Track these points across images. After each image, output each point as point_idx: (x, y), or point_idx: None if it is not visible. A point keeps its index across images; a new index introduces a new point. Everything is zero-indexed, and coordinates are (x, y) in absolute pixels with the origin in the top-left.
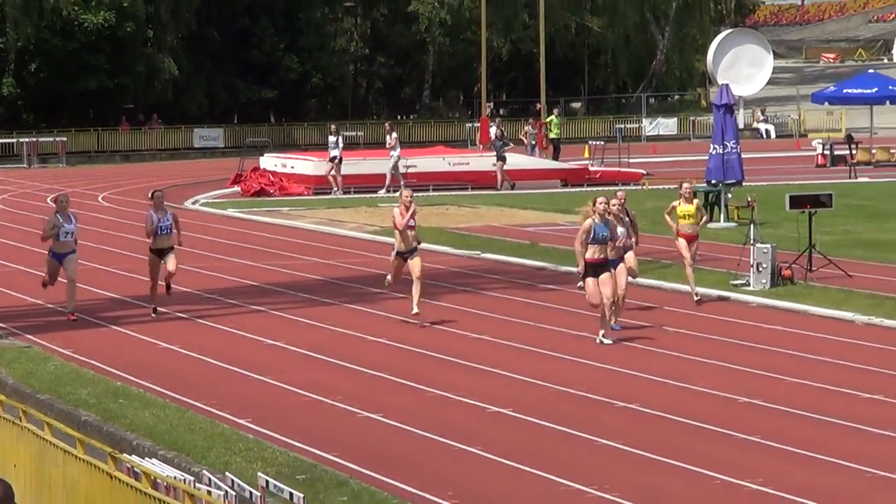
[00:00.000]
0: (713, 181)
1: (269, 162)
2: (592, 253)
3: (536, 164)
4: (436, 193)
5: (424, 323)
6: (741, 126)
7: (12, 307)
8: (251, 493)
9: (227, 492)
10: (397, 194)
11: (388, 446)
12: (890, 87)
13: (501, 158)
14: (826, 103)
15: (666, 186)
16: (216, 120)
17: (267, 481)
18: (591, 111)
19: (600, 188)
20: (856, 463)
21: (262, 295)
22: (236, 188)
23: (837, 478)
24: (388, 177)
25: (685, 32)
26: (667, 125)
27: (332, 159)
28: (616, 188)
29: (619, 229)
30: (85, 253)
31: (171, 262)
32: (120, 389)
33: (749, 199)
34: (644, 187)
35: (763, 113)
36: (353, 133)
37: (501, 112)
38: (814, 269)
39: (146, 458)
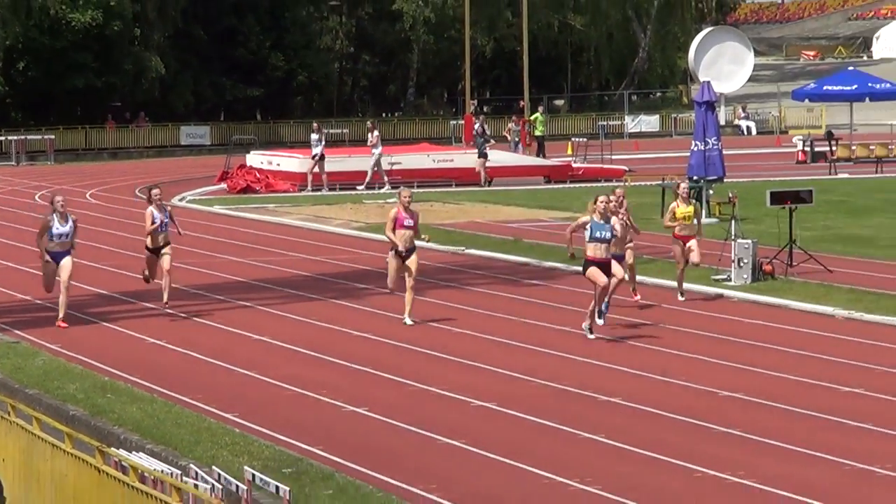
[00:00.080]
0: (695, 177)
1: (256, 159)
2: (594, 251)
3: (520, 160)
4: (420, 190)
5: (415, 319)
6: (722, 123)
7: (1, 303)
8: (238, 486)
9: (213, 485)
10: (381, 191)
11: (374, 440)
12: (869, 84)
13: (483, 155)
14: (806, 100)
15: (648, 183)
16: (203, 117)
17: (253, 475)
18: (574, 108)
19: (583, 185)
20: (835, 456)
21: (248, 291)
22: (223, 185)
23: (817, 470)
24: (369, 174)
25: (667, 30)
26: (649, 122)
27: (315, 157)
28: (601, 184)
29: (614, 218)
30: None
31: (166, 261)
32: (108, 384)
33: (730, 195)
34: (626, 184)
35: (744, 110)
36: (339, 130)
37: (485, 109)
38: (794, 264)
39: (133, 453)
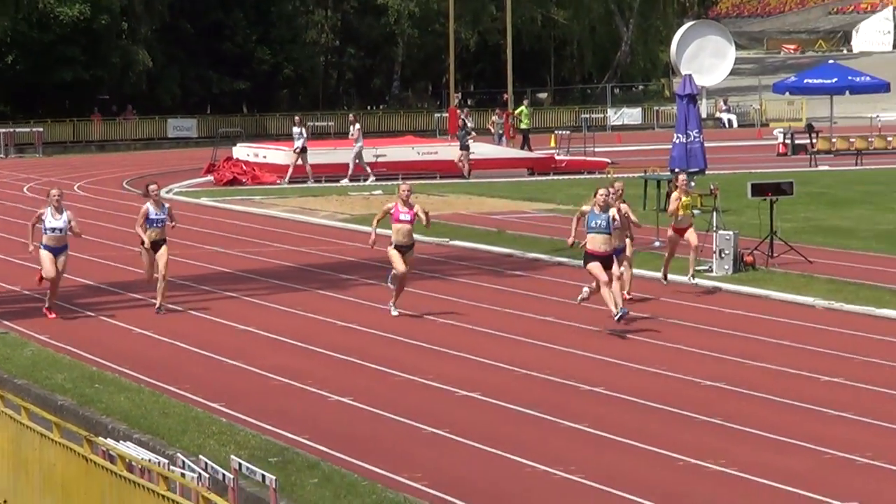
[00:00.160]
0: (676, 169)
1: (242, 152)
2: (595, 245)
3: (503, 153)
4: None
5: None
6: (704, 116)
7: None
8: (224, 475)
9: (200, 474)
10: (366, 183)
11: (359, 429)
12: (849, 78)
13: (465, 148)
14: (787, 93)
15: (630, 175)
16: (189, 110)
17: (240, 464)
18: (558, 101)
19: (566, 177)
20: (816, 444)
21: (234, 281)
22: (209, 177)
23: (797, 459)
24: (351, 166)
25: (649, 24)
26: (631, 115)
27: (297, 150)
28: (584, 176)
29: (612, 210)
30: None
31: (161, 260)
32: (95, 374)
33: (712, 186)
34: (609, 175)
35: (725, 103)
36: (325, 123)
37: (469, 102)
38: (775, 255)
39: (121, 442)
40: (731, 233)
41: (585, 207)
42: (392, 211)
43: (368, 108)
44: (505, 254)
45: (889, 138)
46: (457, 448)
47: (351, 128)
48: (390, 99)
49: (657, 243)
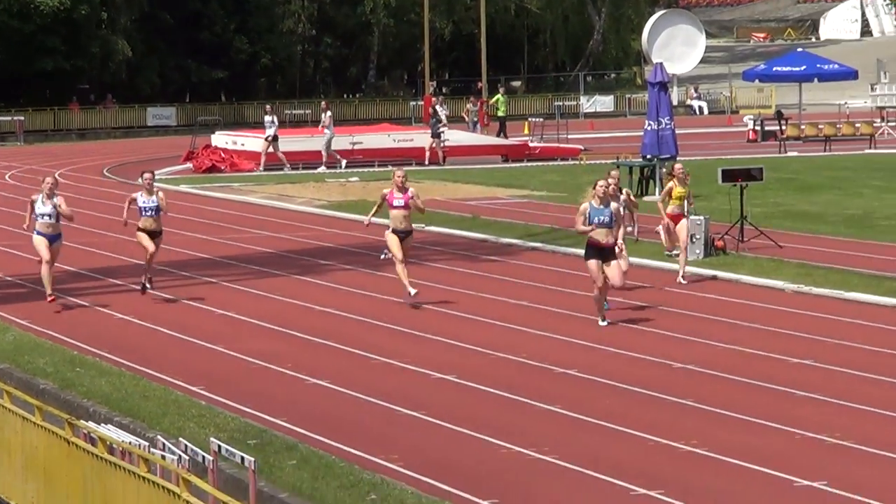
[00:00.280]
0: (648, 156)
1: (221, 139)
2: (597, 237)
3: (478, 140)
4: (381, 169)
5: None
6: (675, 103)
7: None
8: (204, 457)
9: (180, 456)
10: (339, 170)
11: (336, 411)
12: (818, 66)
13: (436, 135)
14: (757, 81)
15: (603, 161)
16: (169, 99)
17: (219, 446)
18: (531, 89)
19: (539, 164)
20: (786, 425)
21: (213, 267)
22: (189, 165)
23: (768, 439)
24: (324, 154)
25: (621, 13)
26: (604, 102)
27: (268, 138)
28: (557, 163)
29: (613, 204)
30: None
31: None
32: (77, 358)
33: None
34: (582, 162)
35: (696, 90)
36: (301, 111)
37: (444, 90)
38: (745, 239)
39: (102, 425)
40: (701, 218)
41: (584, 205)
42: (387, 197)
43: (345, 96)
44: (479, 239)
45: (857, 125)
46: (433, 430)
47: (323, 115)
48: (366, 87)
49: (630, 228)
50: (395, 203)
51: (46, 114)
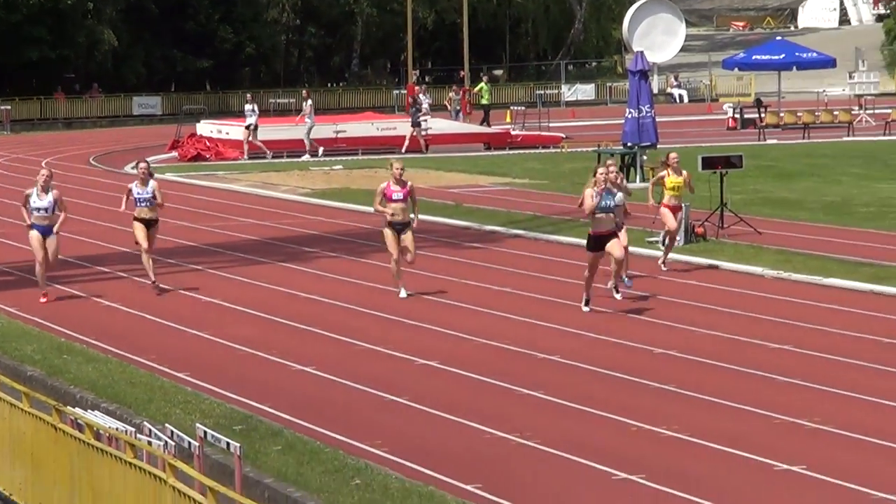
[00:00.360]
0: (629, 144)
1: (205, 128)
2: (600, 226)
3: (461, 128)
4: (365, 157)
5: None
6: (655, 91)
7: None
8: (190, 443)
9: (166, 442)
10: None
11: (321, 397)
12: (796, 54)
13: (416, 124)
14: (736, 69)
15: (584, 149)
16: (154, 88)
17: (205, 432)
18: (513, 78)
19: (521, 152)
20: (765, 410)
21: (199, 255)
22: (174, 153)
23: (748, 424)
24: (307, 143)
25: (601, 2)
26: (585, 91)
27: (248, 126)
28: (539, 151)
29: (619, 196)
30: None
31: (150, 241)
32: (64, 345)
33: (662, 160)
34: (563, 150)
35: (676, 79)
36: (286, 100)
37: (427, 79)
38: (725, 226)
39: (89, 411)
40: (682, 205)
41: (589, 191)
42: (385, 191)
43: (329, 85)
44: (462, 226)
45: (835, 112)
46: (416, 415)
47: (304, 104)
48: (350, 76)
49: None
50: (395, 196)
51: (33, 103)
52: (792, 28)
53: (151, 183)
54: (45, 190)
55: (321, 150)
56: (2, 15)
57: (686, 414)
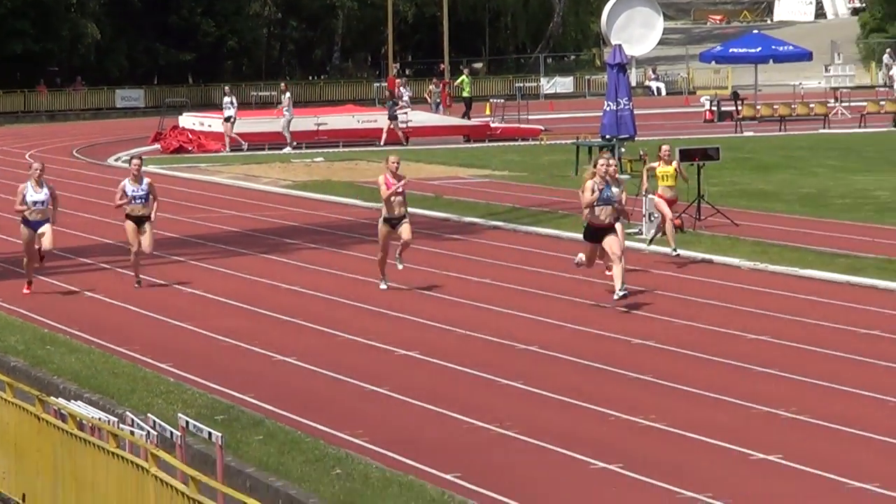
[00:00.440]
0: (607, 136)
1: (188, 121)
2: (596, 217)
3: (440, 121)
4: (346, 149)
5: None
6: (634, 84)
7: None
8: (172, 433)
9: (149, 432)
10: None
11: (302, 388)
12: (773, 47)
13: (393, 118)
14: (713, 62)
15: (563, 141)
16: (137, 81)
17: (187, 422)
18: (493, 71)
19: (501, 144)
20: (741, 400)
21: (182, 246)
22: (156, 146)
23: (725, 413)
24: (288, 135)
25: None
26: (564, 84)
27: (228, 119)
28: (518, 143)
29: (615, 189)
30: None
31: (145, 240)
32: (47, 336)
33: (641, 152)
34: (542, 142)
35: (654, 71)
36: (267, 93)
37: (407, 72)
38: (702, 218)
39: (72, 401)
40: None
41: (589, 183)
42: (385, 184)
43: (310, 78)
44: (442, 218)
45: (811, 105)
46: (397, 405)
47: (282, 97)
48: (331, 69)
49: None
50: (396, 190)
51: (16, 96)
52: (768, 21)
53: (145, 179)
54: (40, 183)
55: (294, 143)
56: None
57: (663, 404)
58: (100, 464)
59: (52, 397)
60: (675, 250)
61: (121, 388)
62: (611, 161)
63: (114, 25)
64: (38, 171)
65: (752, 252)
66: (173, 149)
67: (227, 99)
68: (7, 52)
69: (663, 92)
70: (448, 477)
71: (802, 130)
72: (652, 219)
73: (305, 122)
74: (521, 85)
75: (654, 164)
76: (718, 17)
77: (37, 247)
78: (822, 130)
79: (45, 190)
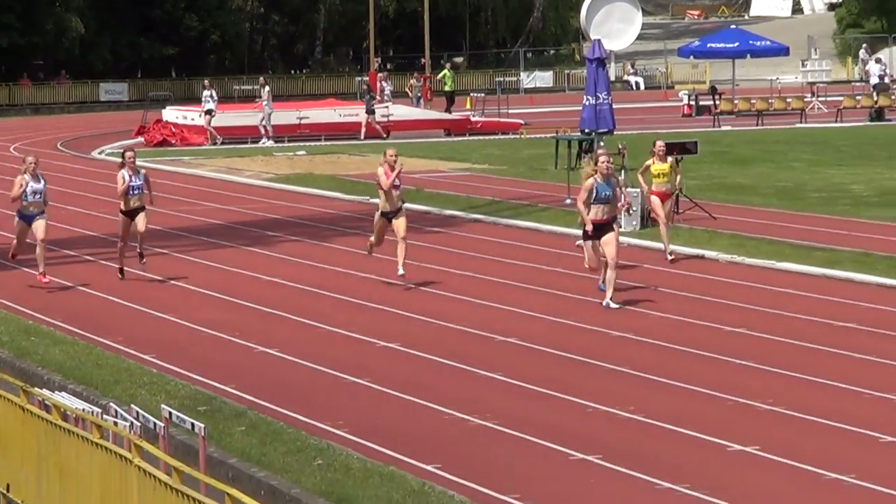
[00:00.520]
0: (586, 130)
1: (171, 114)
2: (595, 213)
3: (421, 114)
4: (327, 143)
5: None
6: (613, 78)
7: None
8: (155, 423)
9: (132, 423)
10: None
11: (283, 379)
12: (750, 42)
13: (370, 111)
14: (691, 57)
15: (542, 135)
16: (121, 75)
17: (170, 413)
18: (473, 65)
19: (481, 138)
20: (719, 391)
21: (165, 238)
22: (140, 139)
23: (701, 405)
24: (270, 129)
25: None
26: (543, 78)
27: (208, 112)
28: (498, 137)
29: (611, 183)
30: None
31: (140, 223)
32: (31, 328)
33: (620, 146)
34: (522, 136)
35: (633, 66)
36: (250, 87)
37: (389, 67)
38: (680, 211)
39: (56, 392)
40: (638, 190)
41: (589, 181)
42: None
43: (292, 72)
44: (423, 211)
45: (788, 100)
46: (377, 396)
47: (262, 90)
48: (313, 63)
49: (568, 201)
50: (393, 183)
51: (1, 89)
52: (746, 17)
53: (141, 171)
54: (35, 175)
55: (268, 138)
56: None
57: (642, 395)
58: (83, 454)
59: (36, 388)
60: (670, 254)
61: (104, 379)
62: (609, 158)
63: (98, 19)
64: (33, 164)
65: (729, 245)
66: (157, 142)
67: (206, 93)
68: None
69: (642, 86)
70: (428, 468)
71: (779, 125)
72: (630, 212)
73: (287, 115)
74: (502, 79)
75: (649, 162)
76: (696, 13)
77: (28, 240)
78: (798, 125)
79: (43, 181)
